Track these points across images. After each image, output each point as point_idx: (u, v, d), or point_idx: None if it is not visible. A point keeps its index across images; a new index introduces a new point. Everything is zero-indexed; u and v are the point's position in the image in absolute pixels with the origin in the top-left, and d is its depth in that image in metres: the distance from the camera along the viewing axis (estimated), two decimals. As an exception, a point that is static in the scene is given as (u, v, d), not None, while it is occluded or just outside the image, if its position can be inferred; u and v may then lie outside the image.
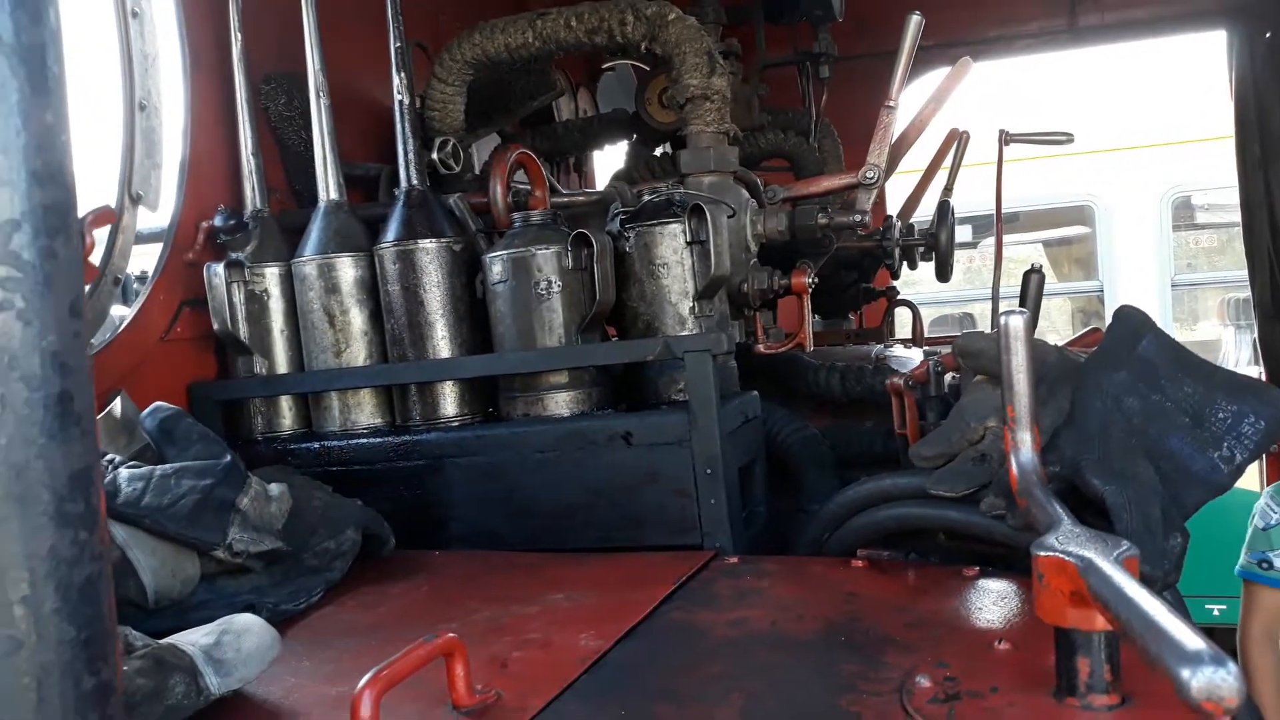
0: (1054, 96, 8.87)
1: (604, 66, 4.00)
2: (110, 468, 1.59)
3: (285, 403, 2.10)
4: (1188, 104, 8.52)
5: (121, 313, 2.19)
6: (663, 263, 1.94)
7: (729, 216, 1.98)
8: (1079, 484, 1.36)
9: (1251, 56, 4.35)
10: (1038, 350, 1.46)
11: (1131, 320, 1.55)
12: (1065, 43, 4.72)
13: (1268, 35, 4.35)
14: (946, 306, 9.85)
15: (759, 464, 2.01)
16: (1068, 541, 1.05)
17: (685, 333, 1.94)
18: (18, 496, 0.63)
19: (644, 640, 1.33)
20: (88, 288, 2.01)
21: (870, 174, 2.05)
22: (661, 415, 1.81)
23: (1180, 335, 9.28)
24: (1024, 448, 1.32)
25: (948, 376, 1.77)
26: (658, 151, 3.28)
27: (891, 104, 2.08)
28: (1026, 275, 2.51)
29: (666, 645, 1.31)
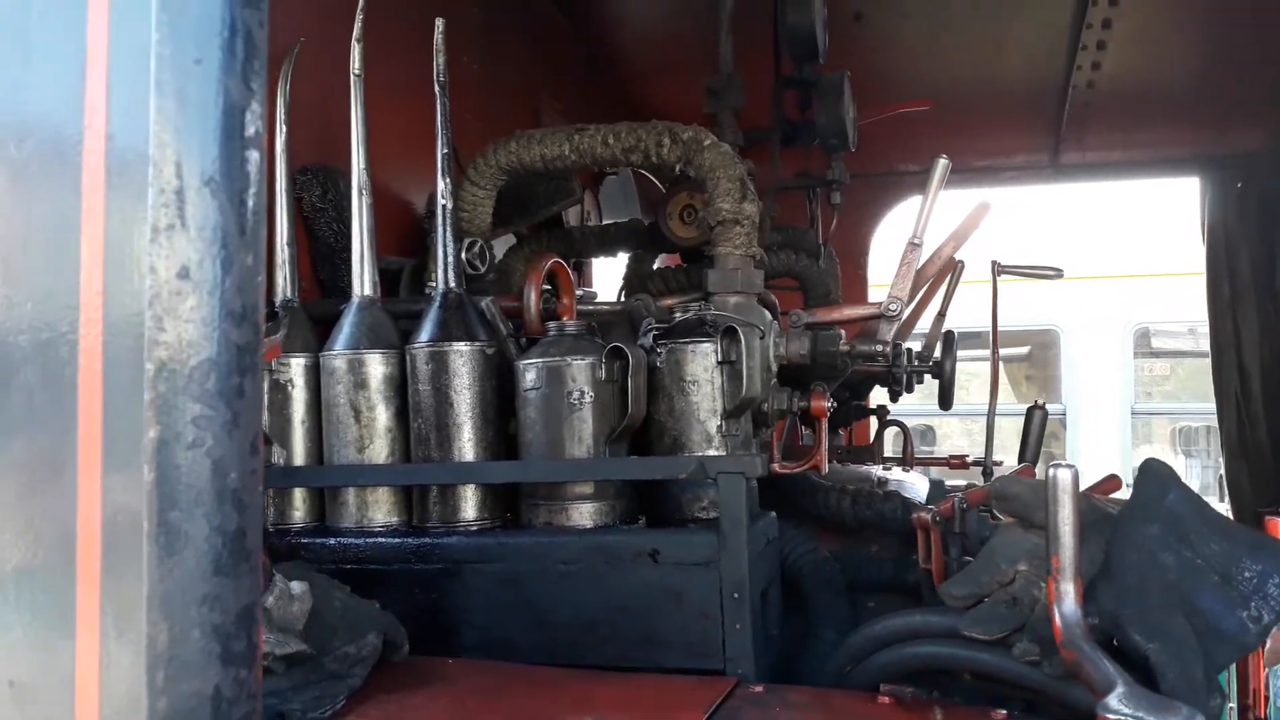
0: (1027, 225, 9.20)
1: (607, 172, 4.11)
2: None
3: (299, 494, 2.08)
4: (1151, 240, 8.88)
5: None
6: (693, 380, 1.96)
7: (760, 338, 2.02)
8: (1119, 639, 1.38)
9: (1224, 204, 4.58)
10: (1072, 497, 1.50)
11: (1158, 474, 1.59)
12: (1047, 177, 4.94)
13: (1239, 185, 4.59)
14: (904, 419, 10.01)
15: (774, 588, 2.02)
16: (1133, 704, 1.07)
17: (711, 450, 1.96)
18: (194, 634, 0.63)
19: (687, 773, 1.32)
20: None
21: (893, 307, 2.12)
22: (690, 534, 1.81)
23: (1134, 459, 9.50)
24: (1068, 599, 1.35)
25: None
26: (657, 262, 3.34)
27: (917, 241, 2.15)
28: (1030, 411, 2.58)
29: (713, 781, 1.30)
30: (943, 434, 11.61)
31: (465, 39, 3.22)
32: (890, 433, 3.83)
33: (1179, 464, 10.58)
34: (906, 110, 3.34)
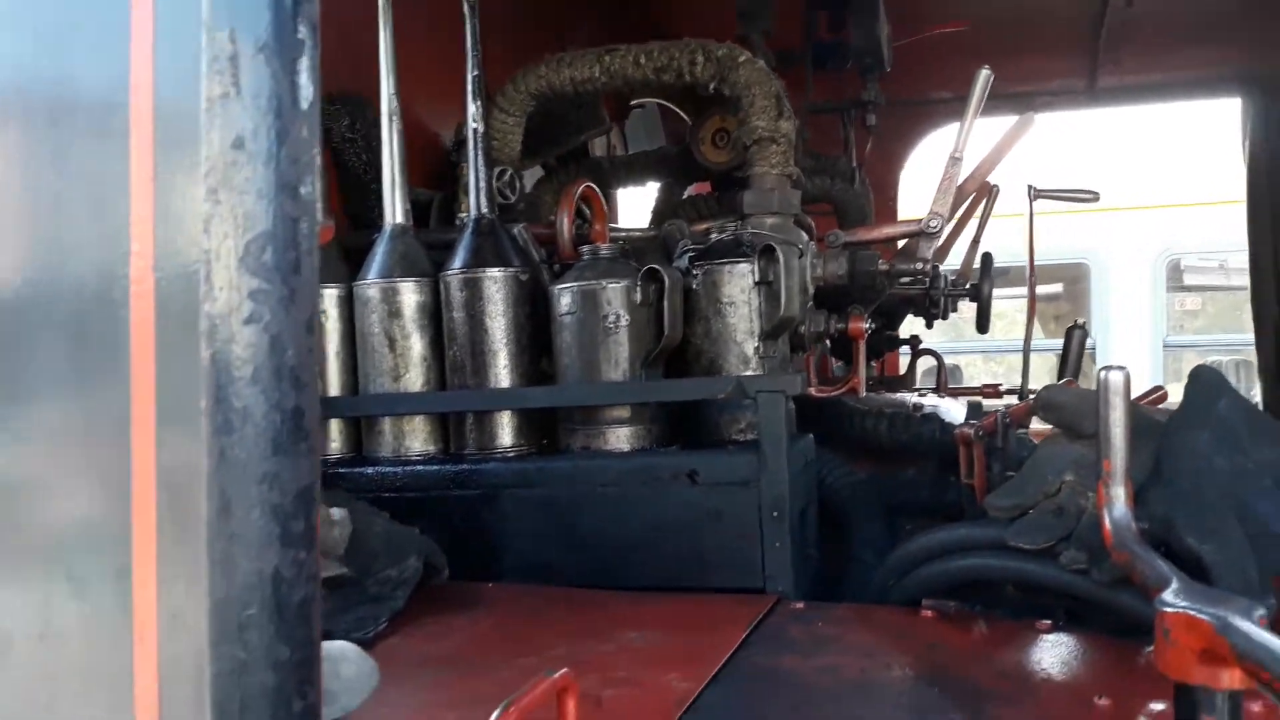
0: (1058, 153, 9.01)
1: (632, 104, 4.04)
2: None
3: (335, 426, 2.09)
4: (1183, 168, 8.68)
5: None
6: (730, 301, 1.94)
7: (799, 257, 1.99)
8: (1172, 541, 1.36)
9: (1266, 124, 4.45)
10: (1120, 407, 1.47)
11: (1209, 381, 1.56)
12: (1084, 102, 4.81)
13: (1281, 104, 4.45)
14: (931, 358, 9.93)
15: (811, 508, 2.01)
16: (1195, 598, 1.05)
17: (748, 371, 1.94)
18: (254, 513, 0.62)
19: (734, 684, 1.32)
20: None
21: (934, 223, 2.07)
22: (729, 455, 1.80)
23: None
24: (1119, 503, 1.32)
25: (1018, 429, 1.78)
26: (688, 193, 3.30)
27: (958, 155, 2.10)
28: (1069, 331, 2.54)
29: (761, 692, 1.30)
30: (969, 374, 11.53)
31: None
32: (922, 365, 3.79)
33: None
34: (942, 31, 3.25)
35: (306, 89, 0.65)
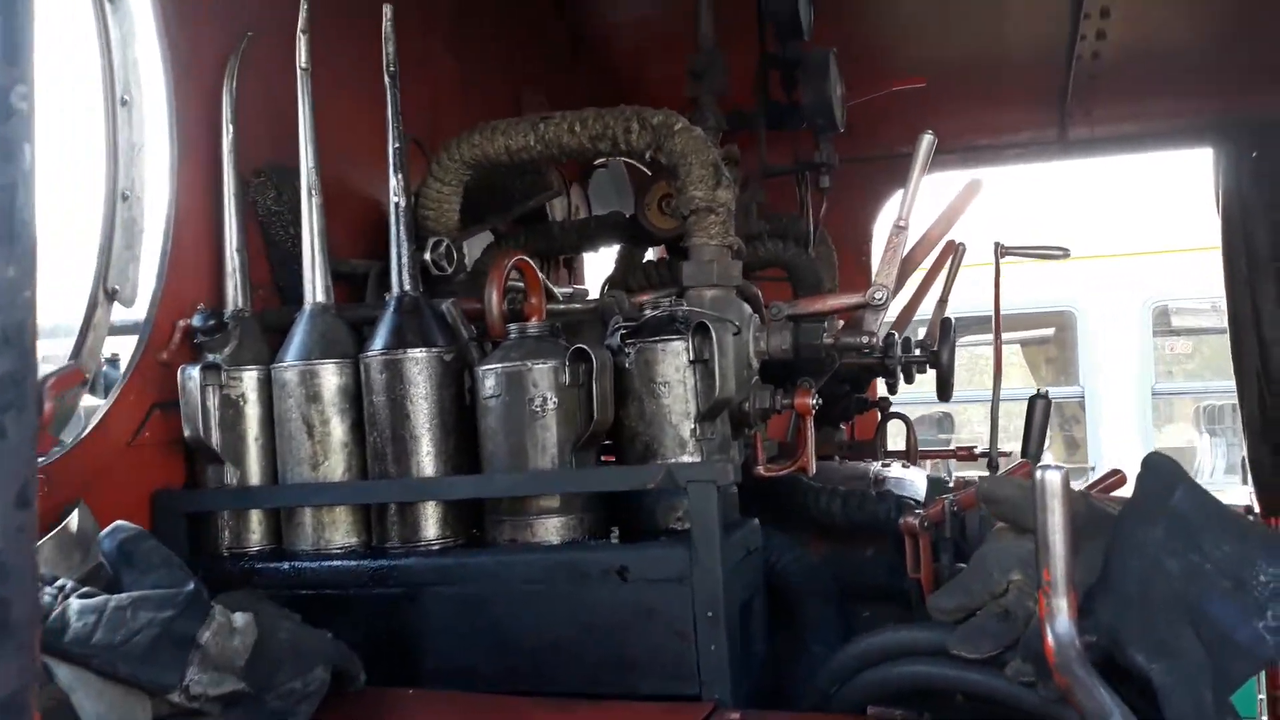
0: (1038, 202, 9.00)
1: (596, 163, 3.98)
2: (60, 596, 1.45)
3: (255, 516, 1.98)
4: (1168, 215, 8.67)
5: (91, 403, 2.07)
6: (664, 381, 1.84)
7: (734, 334, 1.89)
8: (1119, 658, 1.25)
9: (1238, 174, 4.40)
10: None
11: (1162, 470, 1.46)
12: (1055, 154, 4.76)
13: (1253, 154, 4.41)
14: (920, 407, 9.83)
15: (758, 599, 1.90)
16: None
17: (686, 456, 1.84)
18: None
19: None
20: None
21: (879, 295, 1.98)
22: (660, 548, 1.69)
23: (1155, 442, 9.28)
24: (1060, 616, 1.22)
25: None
26: (650, 255, 3.22)
27: (902, 224, 2.02)
28: (1032, 401, 2.45)
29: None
30: (962, 420, 11.42)
31: (438, 28, 3.10)
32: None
33: (1203, 444, 10.35)
34: (900, 88, 3.19)
35: (21, 222, 0.55)
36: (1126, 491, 1.69)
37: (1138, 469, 1.48)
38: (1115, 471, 1.84)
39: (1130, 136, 4.63)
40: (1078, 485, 1.65)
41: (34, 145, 0.59)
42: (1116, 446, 8.16)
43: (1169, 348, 11.09)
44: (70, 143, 2.08)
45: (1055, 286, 8.80)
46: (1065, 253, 3.26)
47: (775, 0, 2.61)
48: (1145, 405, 8.60)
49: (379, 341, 1.88)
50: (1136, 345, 8.71)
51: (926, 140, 1.99)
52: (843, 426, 3.43)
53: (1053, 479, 1.22)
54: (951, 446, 4.18)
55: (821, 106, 2.63)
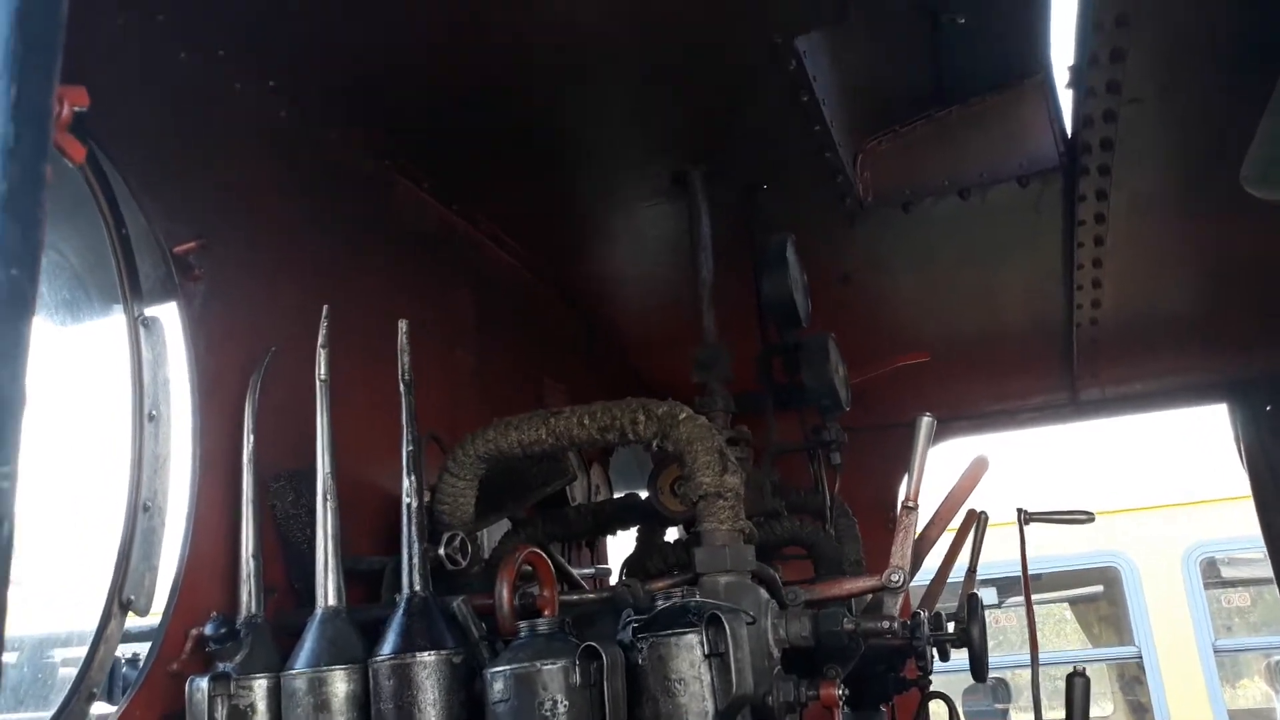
0: (1068, 457, 8.96)
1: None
2: None
3: (257, 838, 1.87)
4: (1205, 464, 8.58)
5: (102, 710, 2.02)
6: (679, 678, 1.79)
7: (748, 624, 1.85)
8: None
9: (1258, 429, 4.41)
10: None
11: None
12: (1068, 416, 4.82)
13: (1268, 409, 4.43)
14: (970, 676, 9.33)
15: None
16: None
17: (706, 762, 1.74)
18: None
19: None
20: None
21: (895, 577, 1.96)
22: None
23: (1227, 702, 8.69)
24: None
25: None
26: (670, 534, 3.20)
27: (910, 504, 2.02)
28: (1070, 679, 2.34)
29: None
30: (1017, 686, 10.81)
31: (461, 331, 3.28)
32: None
33: (1278, 703, 9.69)
34: (904, 364, 3.29)
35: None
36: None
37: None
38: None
39: (1141, 396, 4.69)
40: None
41: (13, 523, 0.62)
42: (1185, 708, 7.65)
43: (1225, 600, 10.62)
44: (90, 454, 2.16)
45: (1098, 541, 8.58)
46: (1090, 518, 3.23)
47: (773, 295, 2.75)
48: (1209, 664, 8.12)
49: (388, 646, 1.85)
50: (1185, 598, 8.36)
51: (925, 422, 2.04)
52: (883, 709, 3.26)
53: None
54: (1009, 715, 3.94)
55: (824, 388, 2.71)
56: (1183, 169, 3.28)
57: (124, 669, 2.09)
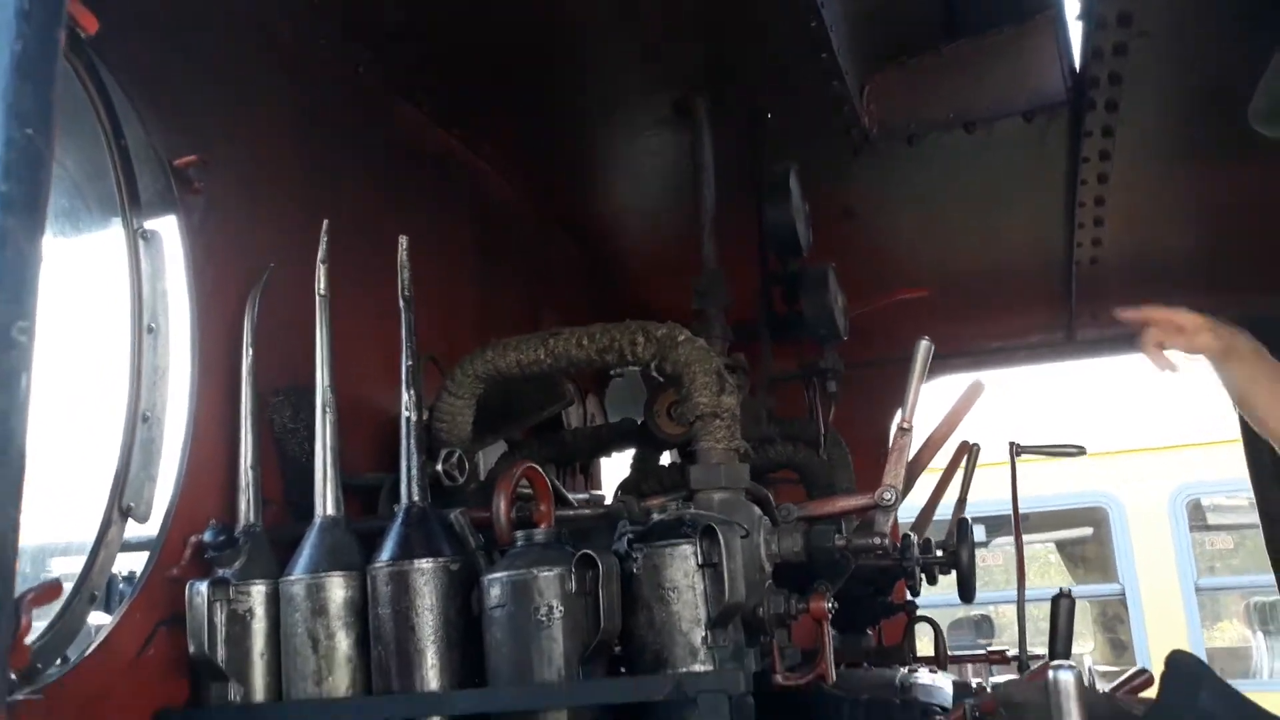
0: (1061, 398, 9.02)
1: (612, 374, 4.08)
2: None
3: (257, 736, 1.92)
4: (1197, 407, 8.64)
5: (100, 620, 2.06)
6: (672, 587, 1.82)
7: (742, 537, 1.89)
8: None
9: (1250, 370, 4.43)
10: (1087, 702, 1.32)
11: (1187, 669, 1.41)
12: (1065, 354, 4.84)
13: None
14: (958, 609, 9.50)
15: (780, 820, 1.80)
16: None
17: (697, 665, 1.79)
18: None
19: None
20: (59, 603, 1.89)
21: (887, 496, 1.99)
22: (671, 765, 1.63)
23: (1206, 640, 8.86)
24: (1086, 826, 1.16)
25: (986, 724, 1.61)
26: (664, 459, 3.24)
27: (906, 426, 2.05)
28: (1056, 600, 2.39)
29: None
30: (1003, 623, 11.01)
31: (460, 257, 3.27)
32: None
33: (1257, 642, 9.89)
34: (903, 298, 3.30)
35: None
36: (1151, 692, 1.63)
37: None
38: (1142, 671, 1.77)
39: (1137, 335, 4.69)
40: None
41: (30, 375, 0.63)
42: (1165, 647, 7.80)
43: (1209, 543, 10.78)
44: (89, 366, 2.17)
45: (1085, 480, 8.69)
46: (1081, 450, 3.26)
47: (775, 224, 2.75)
48: (1190, 602, 8.28)
49: (386, 553, 1.88)
50: (1171, 539, 8.49)
51: (923, 346, 2.05)
52: (869, 632, 3.34)
53: (1065, 679, 1.19)
54: (989, 650, 4.03)
55: (823, 317, 2.72)
56: (1190, 107, 3.26)
57: (120, 585, 2.13)
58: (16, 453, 0.59)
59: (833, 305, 2.74)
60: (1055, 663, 1.20)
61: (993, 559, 10.64)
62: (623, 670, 1.91)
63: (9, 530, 0.58)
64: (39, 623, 1.92)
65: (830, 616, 1.95)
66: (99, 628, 2.00)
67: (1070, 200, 3.71)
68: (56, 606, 1.94)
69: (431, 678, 1.81)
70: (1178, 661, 1.43)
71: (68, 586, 1.94)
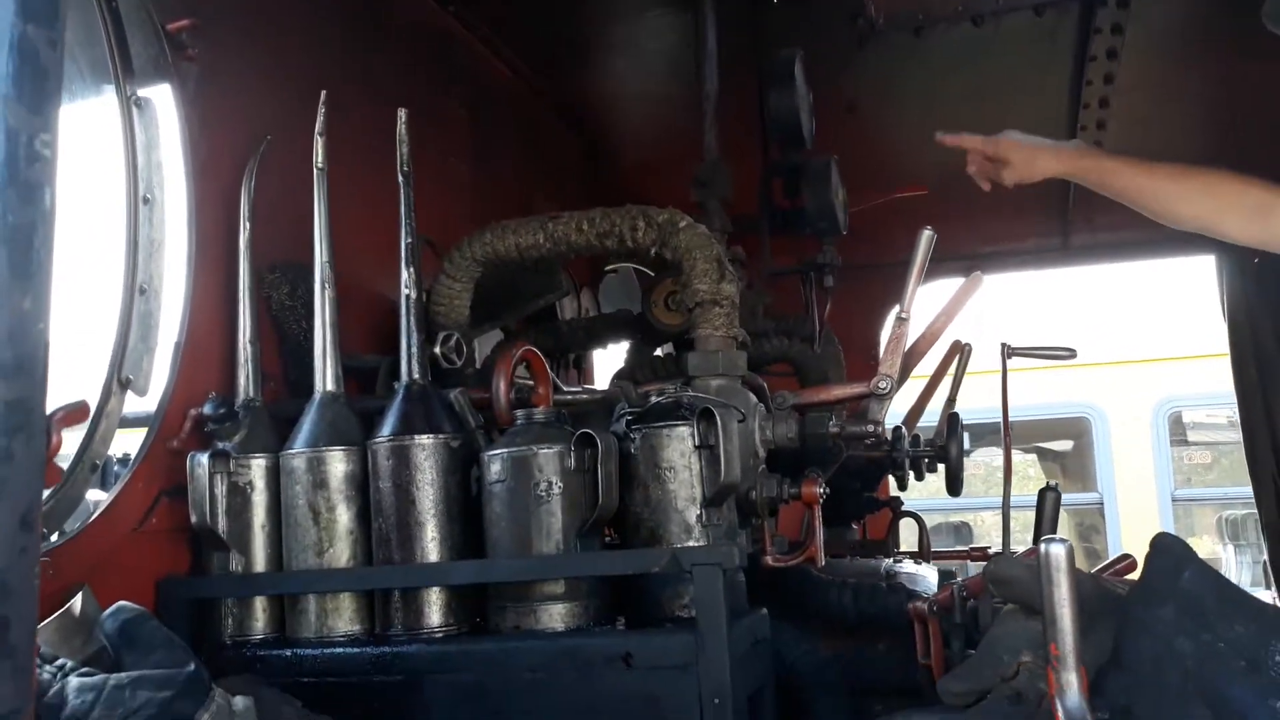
0: (1050, 310, 9.07)
1: (606, 269, 4.06)
2: (59, 675, 1.44)
3: (259, 603, 1.96)
4: (1182, 321, 8.70)
5: (99, 497, 2.08)
6: (669, 466, 1.85)
7: (739, 421, 1.91)
8: (1133, 736, 1.23)
9: (1242, 280, 4.44)
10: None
11: (1171, 550, 1.45)
12: (1059, 260, 4.84)
13: (1255, 260, 4.46)
14: (938, 515, 9.68)
15: (767, 691, 1.86)
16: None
17: (691, 542, 1.83)
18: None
19: None
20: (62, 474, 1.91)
21: (883, 384, 2.00)
22: (665, 635, 1.68)
23: (1180, 553, 9.07)
24: (1071, 691, 1.20)
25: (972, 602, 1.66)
26: (659, 351, 3.25)
27: (904, 315, 2.05)
28: (1042, 493, 2.43)
29: None
30: (981, 531, 11.25)
31: (456, 141, 3.22)
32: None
33: (1228, 555, 10.15)
34: (901, 196, 3.27)
35: (37, 260, 0.58)
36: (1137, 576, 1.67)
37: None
38: (1125, 556, 1.82)
39: (1133, 243, 4.70)
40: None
41: (54, 188, 0.62)
42: (1139, 554, 8.01)
43: (1187, 458, 10.98)
44: (89, 238, 2.14)
45: (1070, 392, 8.78)
46: (1072, 353, 3.27)
47: (779, 111, 2.70)
48: (1166, 511, 8.46)
49: (386, 428, 1.90)
50: (1152, 452, 8.63)
51: (926, 235, 2.05)
52: (854, 525, 3.40)
53: (1057, 551, 1.21)
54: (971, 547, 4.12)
55: (824, 210, 2.70)
56: (1202, 5, 3.19)
57: (115, 467, 2.14)
58: (43, 267, 0.58)
59: (834, 199, 2.72)
60: (1047, 537, 1.23)
61: (973, 469, 10.82)
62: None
63: (40, 344, 0.58)
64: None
65: (821, 501, 1.98)
66: (97, 503, 2.03)
67: (1074, 101, 3.66)
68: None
69: (432, 549, 1.84)
70: (1163, 543, 1.46)
71: (73, 450, 1.95)
